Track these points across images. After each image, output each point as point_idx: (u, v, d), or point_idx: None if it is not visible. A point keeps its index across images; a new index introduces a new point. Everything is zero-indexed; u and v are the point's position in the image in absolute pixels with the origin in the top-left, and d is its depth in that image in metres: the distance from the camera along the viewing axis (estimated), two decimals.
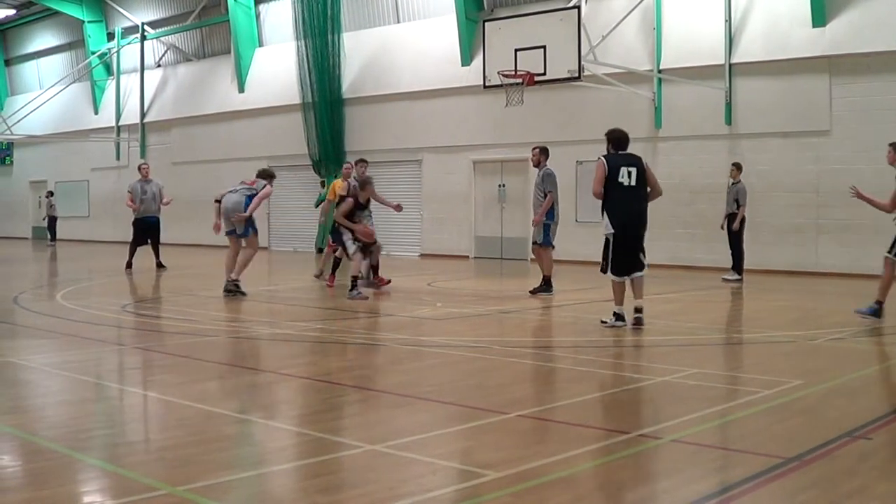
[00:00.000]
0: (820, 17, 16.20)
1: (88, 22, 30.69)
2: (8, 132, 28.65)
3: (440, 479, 4.19)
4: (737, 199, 14.78)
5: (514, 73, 15.33)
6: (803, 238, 16.59)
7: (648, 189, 9.12)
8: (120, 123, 30.10)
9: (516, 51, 15.34)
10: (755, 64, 17.05)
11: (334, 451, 4.74)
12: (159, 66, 29.74)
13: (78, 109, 31.94)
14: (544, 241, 12.42)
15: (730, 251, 15.06)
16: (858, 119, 15.97)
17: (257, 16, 26.31)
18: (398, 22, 23.17)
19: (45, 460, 4.44)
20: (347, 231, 12.14)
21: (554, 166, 12.61)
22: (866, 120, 15.87)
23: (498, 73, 15.52)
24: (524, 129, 19.45)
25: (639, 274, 8.97)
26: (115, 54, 30.36)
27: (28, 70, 35.06)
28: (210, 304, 11.61)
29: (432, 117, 21.87)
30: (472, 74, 20.00)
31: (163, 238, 17.54)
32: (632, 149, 9.43)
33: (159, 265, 16.86)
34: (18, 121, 28.60)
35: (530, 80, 15.26)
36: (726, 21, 17.30)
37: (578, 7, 15.59)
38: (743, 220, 14.80)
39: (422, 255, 21.86)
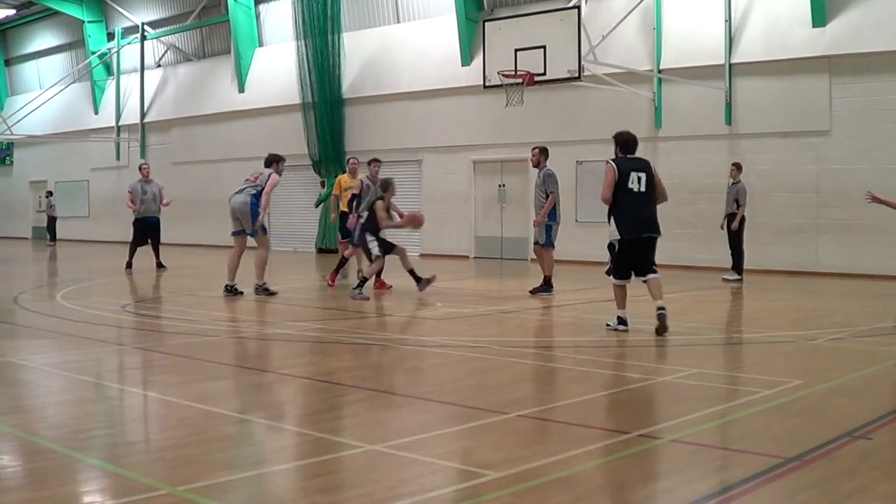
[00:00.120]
0: (820, 17, 16.20)
1: (88, 22, 30.70)
2: (8, 132, 28.66)
3: (440, 479, 4.19)
4: (737, 199, 14.78)
5: (514, 73, 15.33)
6: (803, 238, 16.59)
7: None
8: (120, 123, 30.10)
9: (516, 51, 15.34)
10: (755, 64, 17.05)
11: (334, 451, 4.74)
12: (159, 66, 29.74)
13: (78, 109, 31.95)
14: (546, 242, 12.43)
15: (730, 251, 15.07)
16: (858, 119, 15.98)
17: (257, 16, 26.31)
18: (398, 22, 23.18)
19: (45, 460, 4.44)
20: (372, 233, 12.07)
21: (554, 166, 12.62)
22: (866, 120, 15.88)
23: (498, 73, 15.52)
24: (524, 129, 19.45)
25: (653, 276, 8.65)
26: (115, 54, 30.37)
27: (28, 70, 35.06)
28: (210, 304, 11.61)
29: (432, 117, 21.88)
30: (472, 74, 20.01)
31: (163, 238, 17.54)
32: None
33: (159, 265, 16.86)
34: (18, 121, 28.61)
35: (530, 80, 15.27)
36: (726, 21, 17.30)
37: (578, 7, 15.59)
38: (743, 220, 14.80)
39: (422, 255, 21.86)
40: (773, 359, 7.73)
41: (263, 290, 12.08)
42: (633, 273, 8.77)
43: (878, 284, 14.66)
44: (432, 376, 7.06)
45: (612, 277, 8.93)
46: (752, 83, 17.14)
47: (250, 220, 11.96)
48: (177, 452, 4.56)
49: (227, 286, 12.15)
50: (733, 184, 14.97)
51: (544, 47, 15.14)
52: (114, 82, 30.76)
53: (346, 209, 14.11)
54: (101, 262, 20.19)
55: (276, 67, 25.15)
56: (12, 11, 32.25)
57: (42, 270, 19.47)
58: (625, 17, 17.12)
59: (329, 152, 23.36)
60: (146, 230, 16.96)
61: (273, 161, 12.38)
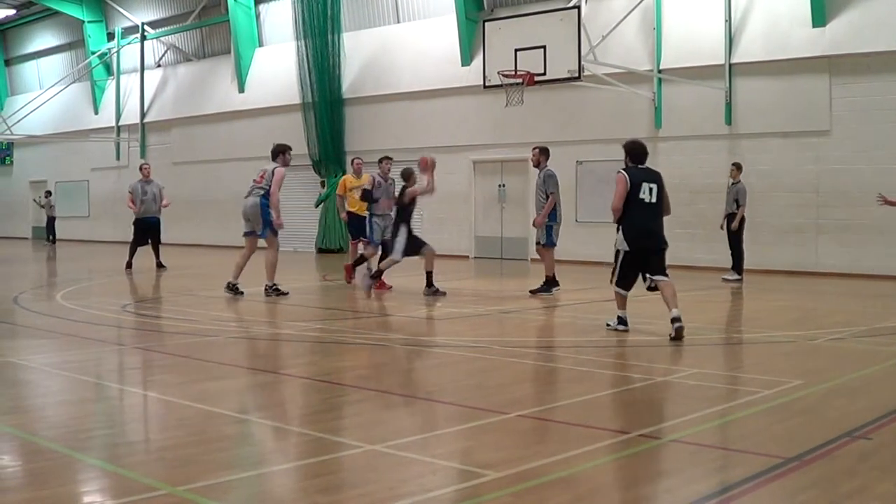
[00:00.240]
0: (820, 17, 16.20)
1: (88, 22, 30.70)
2: (8, 132, 28.66)
3: (440, 479, 4.19)
4: (736, 199, 14.78)
5: (514, 73, 15.33)
6: (803, 238, 16.59)
7: None
8: (120, 123, 30.10)
9: (516, 51, 15.34)
10: (755, 64, 17.05)
11: (334, 451, 4.74)
12: (159, 66, 29.74)
13: (78, 109, 31.94)
14: (546, 242, 12.44)
15: (730, 251, 15.07)
16: (858, 119, 15.97)
17: (257, 16, 26.31)
18: (398, 22, 23.18)
19: (45, 460, 4.44)
20: (407, 225, 12.14)
21: (554, 166, 12.62)
22: (866, 120, 15.88)
23: (498, 73, 15.52)
24: (524, 129, 19.45)
25: (663, 278, 8.44)
26: (115, 54, 30.36)
27: (28, 70, 35.06)
28: (210, 304, 11.61)
29: (432, 117, 21.87)
30: (472, 74, 20.00)
31: (163, 238, 17.53)
32: None
33: (159, 265, 16.86)
34: (18, 121, 28.61)
35: (530, 80, 15.26)
36: (726, 21, 17.30)
37: (578, 7, 15.59)
38: (742, 220, 14.80)
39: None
40: (773, 359, 7.73)
41: (274, 291, 12.06)
42: (635, 281, 8.65)
43: (878, 284, 14.66)
44: (432, 376, 7.06)
45: (614, 286, 8.74)
46: (752, 83, 17.14)
47: (260, 222, 11.97)
48: (177, 452, 4.56)
49: (229, 283, 12.15)
50: (733, 184, 14.97)
51: (544, 47, 15.14)
52: (114, 82, 30.76)
53: (352, 209, 14.18)
54: (101, 262, 20.19)
55: (276, 67, 25.14)
56: (12, 11, 32.25)
57: (42, 270, 19.47)
58: (625, 17, 17.11)
59: (329, 152, 23.35)
60: (146, 230, 16.95)
61: (279, 152, 12.32)
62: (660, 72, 17.93)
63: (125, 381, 6.92)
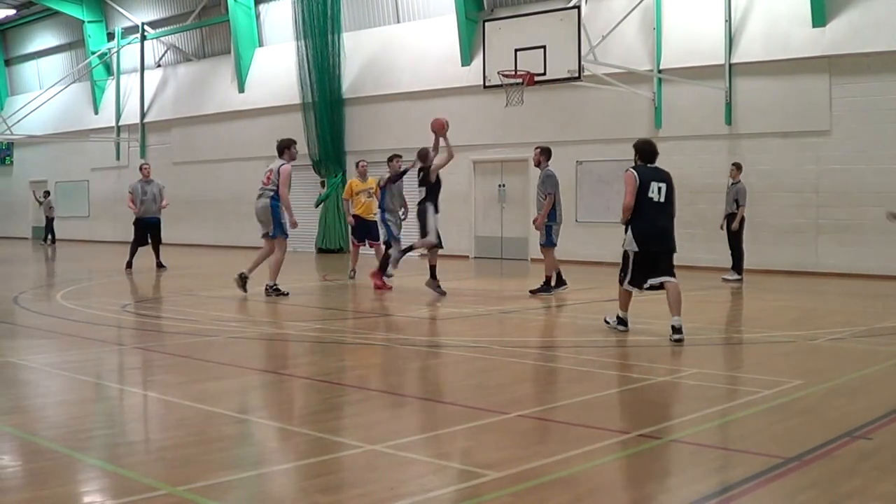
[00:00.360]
0: (820, 17, 16.20)
1: (88, 22, 30.70)
2: (8, 132, 28.66)
3: (440, 479, 4.19)
4: (736, 199, 14.78)
5: (514, 73, 15.33)
6: (803, 238, 16.59)
7: None
8: (120, 123, 30.10)
9: (516, 51, 15.33)
10: (755, 64, 17.05)
11: (334, 451, 4.74)
12: (159, 66, 29.74)
13: (78, 109, 31.94)
14: (546, 242, 12.45)
15: (730, 251, 15.07)
16: (858, 119, 15.97)
17: (257, 16, 26.31)
18: (398, 22, 23.18)
19: (45, 460, 4.44)
20: (434, 204, 12.32)
21: (554, 166, 12.62)
22: (866, 120, 15.87)
23: (498, 73, 15.52)
24: (524, 129, 19.45)
25: (671, 280, 8.37)
26: (115, 54, 30.36)
27: (28, 70, 35.06)
28: (210, 304, 11.61)
29: (432, 117, 21.77)
30: (472, 74, 20.00)
31: (163, 238, 17.52)
32: (629, 149, 9.34)
33: (159, 265, 16.86)
34: (18, 121, 28.61)
35: (530, 80, 15.26)
36: (726, 21, 17.30)
37: (578, 7, 15.59)
38: (742, 220, 14.81)
39: (422, 256, 21.82)
40: (773, 359, 7.73)
41: (274, 291, 12.05)
42: (645, 281, 8.49)
43: (878, 284, 14.66)
44: (432, 376, 7.06)
45: (625, 285, 8.61)
46: (752, 83, 17.14)
47: (271, 223, 12.04)
48: (177, 452, 4.56)
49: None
50: (733, 184, 14.97)
51: (544, 47, 15.14)
52: (114, 82, 30.75)
53: (358, 212, 14.20)
54: (101, 262, 20.18)
55: (276, 67, 25.14)
56: (12, 11, 32.25)
57: (42, 270, 19.47)
58: (625, 17, 17.11)
59: (329, 152, 23.34)
60: (147, 230, 16.96)
61: (285, 147, 12.27)
62: (660, 72, 17.93)
63: (125, 381, 6.92)
